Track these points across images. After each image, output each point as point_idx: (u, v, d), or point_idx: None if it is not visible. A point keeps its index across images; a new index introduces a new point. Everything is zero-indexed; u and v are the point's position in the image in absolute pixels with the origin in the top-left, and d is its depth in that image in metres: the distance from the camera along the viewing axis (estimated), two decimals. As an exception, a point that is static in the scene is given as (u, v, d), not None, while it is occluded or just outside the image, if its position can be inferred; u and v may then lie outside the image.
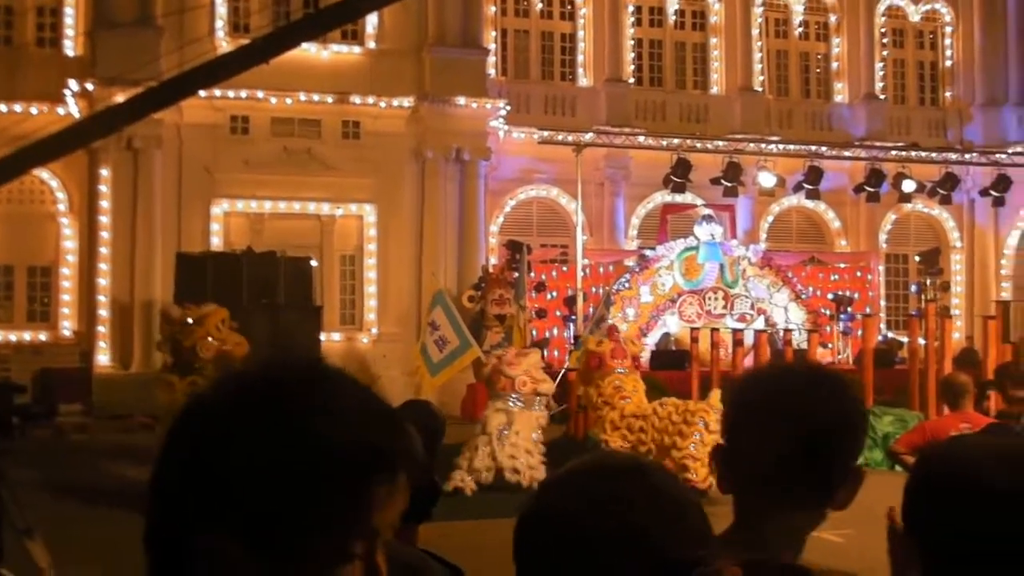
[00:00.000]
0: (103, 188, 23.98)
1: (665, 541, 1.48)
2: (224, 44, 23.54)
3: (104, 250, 23.89)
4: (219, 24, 24.85)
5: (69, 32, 25.27)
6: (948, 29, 31.65)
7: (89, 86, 22.93)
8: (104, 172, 23.97)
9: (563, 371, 19.26)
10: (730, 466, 2.11)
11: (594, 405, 14.88)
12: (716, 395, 13.92)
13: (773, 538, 2.04)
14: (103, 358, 23.67)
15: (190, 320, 13.52)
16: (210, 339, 13.30)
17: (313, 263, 22.69)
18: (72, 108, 23.63)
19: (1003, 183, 27.53)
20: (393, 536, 1.32)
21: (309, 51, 24.82)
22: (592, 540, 1.49)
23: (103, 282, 23.86)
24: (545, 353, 23.30)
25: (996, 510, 1.69)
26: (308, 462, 1.24)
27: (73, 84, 23.40)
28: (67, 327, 24.65)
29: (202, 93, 23.01)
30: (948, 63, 31.56)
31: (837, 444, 2.07)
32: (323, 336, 22.21)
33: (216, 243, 24.30)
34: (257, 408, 1.28)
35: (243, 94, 23.98)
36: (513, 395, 14.46)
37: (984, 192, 28.31)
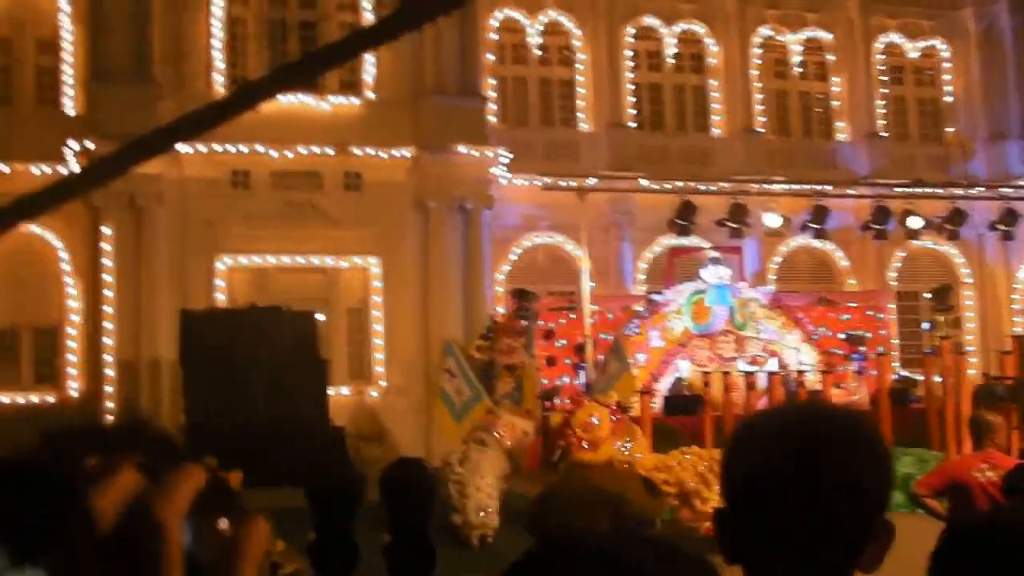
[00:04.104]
0: (106, 247, 23.84)
1: None
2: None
3: (108, 309, 23.72)
4: (217, 79, 24.81)
5: (69, 91, 25.23)
6: (947, 65, 31.63)
7: (89, 144, 22.81)
8: (106, 231, 23.84)
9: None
10: (737, 531, 1.82)
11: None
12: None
13: None
14: (110, 417, 23.41)
15: None
16: None
17: (319, 317, 22.50)
18: (74, 167, 23.52)
19: (1010, 217, 27.38)
20: None
21: (307, 103, 24.81)
22: None
23: (108, 341, 23.66)
24: (557, 401, 23.06)
25: None
26: None
27: (73, 143, 23.32)
28: (74, 388, 24.43)
29: (202, 148, 23.08)
30: (949, 99, 31.52)
31: (863, 497, 1.80)
32: (331, 391, 21.98)
33: (221, 299, 24.14)
34: None
35: (243, 148, 23.92)
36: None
37: (992, 227, 28.15)
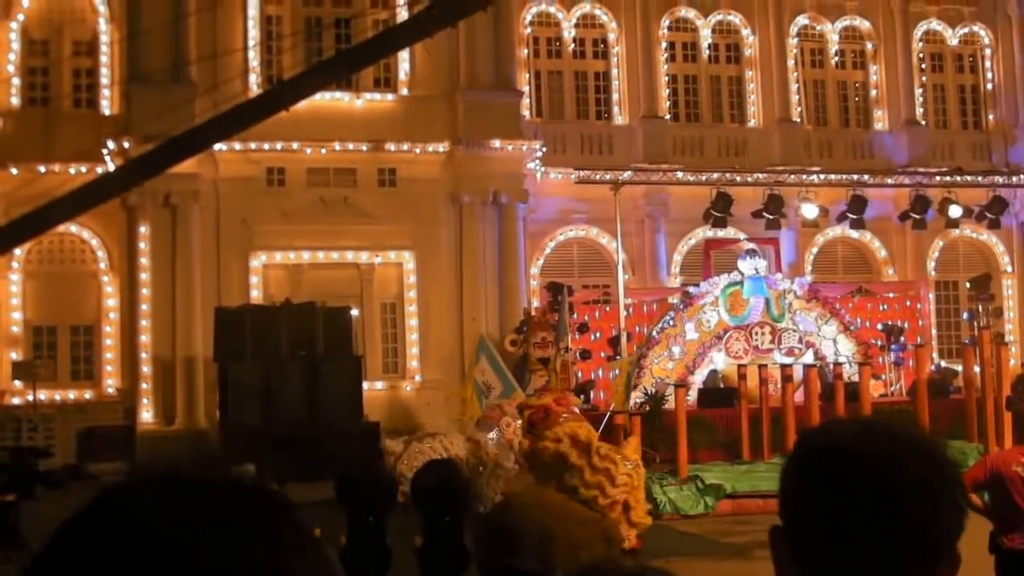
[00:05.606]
0: (142, 245, 24.03)
1: None
2: (258, 97, 23.56)
3: (145, 307, 23.90)
4: (252, 79, 24.89)
5: (105, 92, 25.46)
6: (988, 52, 31.20)
7: (126, 144, 22.99)
8: (143, 229, 24.04)
9: (608, 413, 18.87)
10: (799, 558, 1.67)
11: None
12: (633, 444, 12.52)
13: None
14: (146, 415, 23.61)
15: None
16: None
17: (353, 312, 22.56)
18: (111, 167, 23.68)
19: (1052, 205, 26.97)
20: None
21: (342, 100, 24.87)
22: None
23: (144, 339, 23.85)
24: (591, 395, 22.97)
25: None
26: None
27: (110, 143, 23.50)
28: (111, 385, 24.65)
29: (237, 146, 23.16)
30: (989, 86, 31.08)
31: (939, 529, 1.65)
32: (365, 385, 22.05)
33: (256, 296, 24.24)
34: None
35: (278, 146, 24.02)
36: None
37: (1033, 215, 27.74)
